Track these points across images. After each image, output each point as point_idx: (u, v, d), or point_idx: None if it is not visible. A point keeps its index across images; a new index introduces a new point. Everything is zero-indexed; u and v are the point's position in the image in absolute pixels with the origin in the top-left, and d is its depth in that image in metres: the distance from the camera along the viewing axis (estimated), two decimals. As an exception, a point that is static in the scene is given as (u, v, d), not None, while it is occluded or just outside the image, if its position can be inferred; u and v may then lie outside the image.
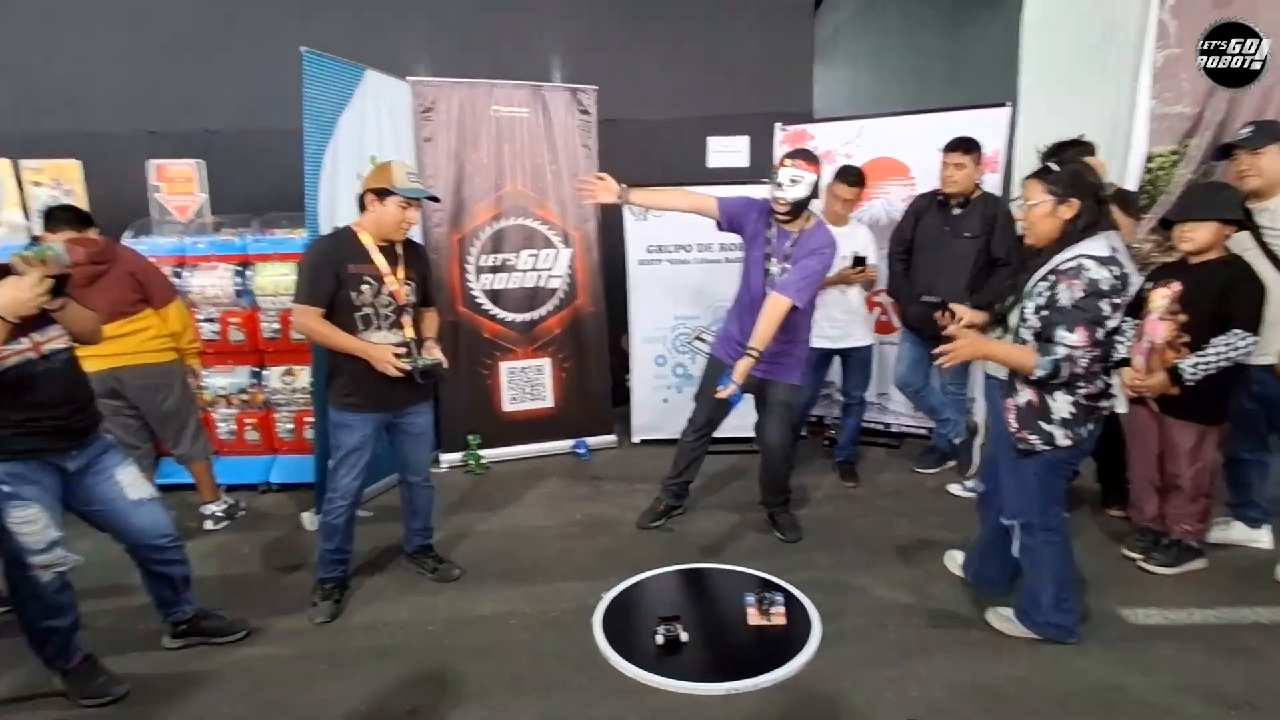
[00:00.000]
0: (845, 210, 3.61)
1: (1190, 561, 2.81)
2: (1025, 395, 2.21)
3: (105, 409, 2.42)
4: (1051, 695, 2.15)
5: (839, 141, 4.24)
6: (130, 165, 3.96)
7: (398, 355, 2.43)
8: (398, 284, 2.51)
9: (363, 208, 2.49)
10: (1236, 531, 2.99)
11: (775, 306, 2.75)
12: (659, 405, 4.39)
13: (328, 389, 2.58)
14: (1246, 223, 2.59)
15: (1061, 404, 2.15)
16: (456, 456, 4.10)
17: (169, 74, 4.44)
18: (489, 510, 3.55)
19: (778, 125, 4.44)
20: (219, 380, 3.78)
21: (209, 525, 3.36)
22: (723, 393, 2.73)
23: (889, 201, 4.12)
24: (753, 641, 2.46)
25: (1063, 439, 2.17)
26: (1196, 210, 2.58)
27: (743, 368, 2.72)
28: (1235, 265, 2.54)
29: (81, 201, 3.88)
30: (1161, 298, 2.62)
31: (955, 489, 3.64)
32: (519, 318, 4.19)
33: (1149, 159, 4.46)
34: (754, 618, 2.55)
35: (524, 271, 4.17)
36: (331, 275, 2.39)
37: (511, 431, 4.23)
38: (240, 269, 3.72)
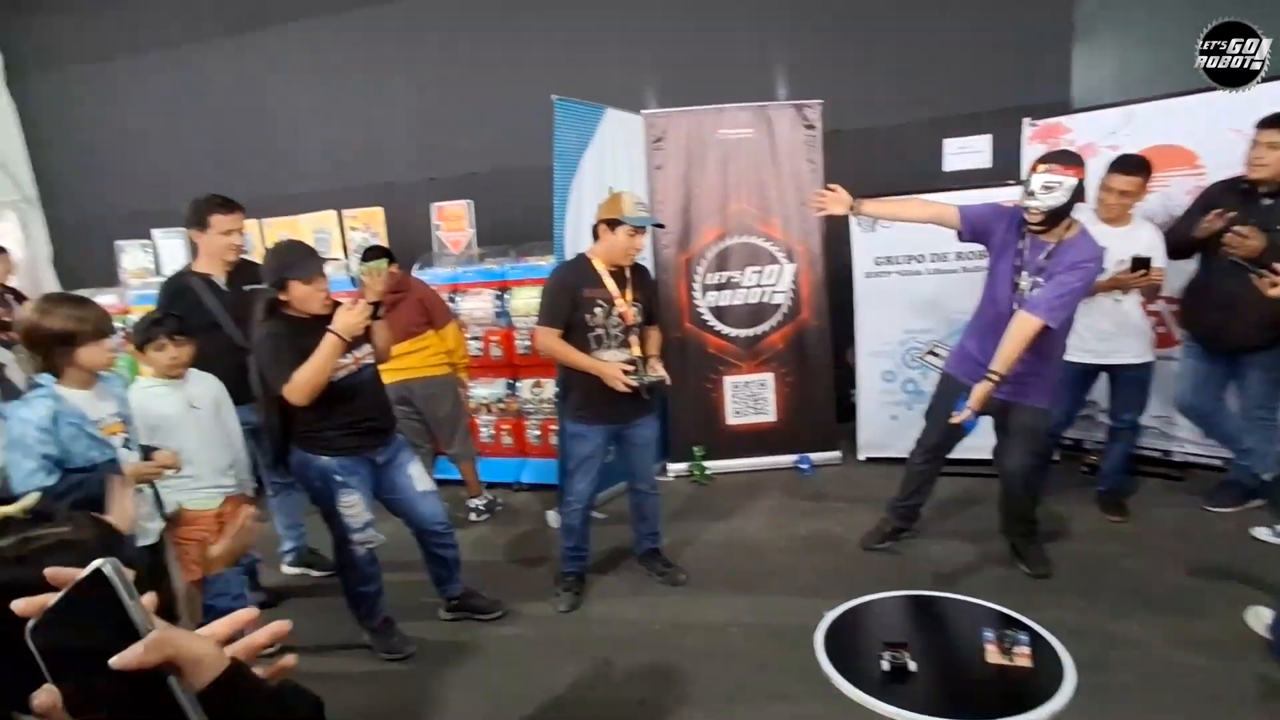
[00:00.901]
0: (1124, 205, 3.10)
1: None
2: None
3: (397, 414, 2.92)
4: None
5: (1102, 133, 3.78)
6: (417, 208, 4.72)
7: (626, 372, 2.63)
8: (626, 306, 2.72)
9: (596, 236, 2.74)
10: None
11: (1023, 327, 2.50)
12: (886, 422, 4.21)
13: (563, 402, 2.86)
14: None
15: None
16: (682, 466, 4.29)
17: (443, 127, 5.23)
18: (713, 520, 3.67)
19: (1026, 121, 4.07)
20: (481, 390, 4.34)
21: (472, 517, 3.87)
22: (957, 418, 2.56)
23: (1168, 195, 3.56)
24: (991, 681, 2.28)
25: None
26: None
27: (981, 393, 2.51)
28: None
29: (384, 241, 4.70)
30: None
31: (1263, 533, 3.04)
32: (743, 333, 4.28)
33: None
34: (993, 655, 2.36)
35: (748, 288, 4.25)
36: (569, 299, 2.67)
37: (735, 444, 4.33)
38: (499, 293, 4.25)
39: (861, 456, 4.28)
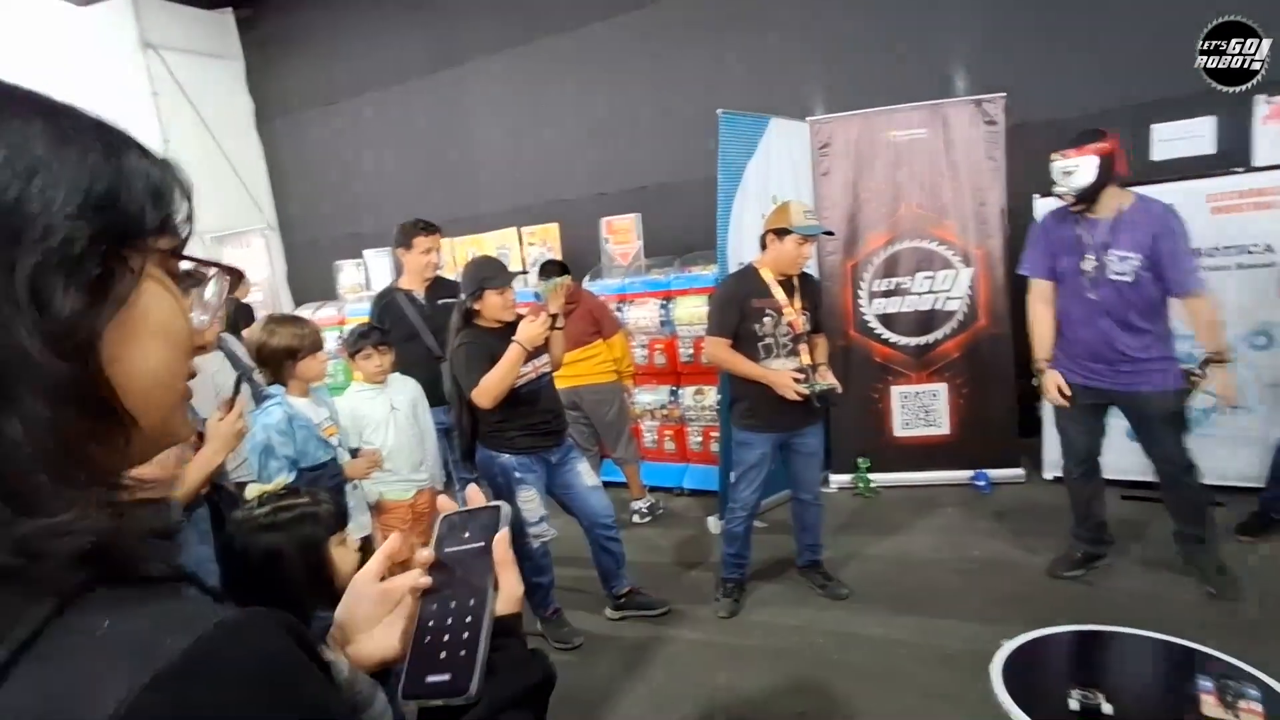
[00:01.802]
0: None
1: None
2: None
3: (568, 418, 3.12)
4: None
5: (1361, 106, 3.21)
6: (589, 223, 4.99)
7: (797, 381, 2.63)
8: (795, 314, 2.73)
9: (763, 246, 2.77)
10: None
11: (1196, 306, 2.60)
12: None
13: (731, 410, 2.91)
14: None
15: None
16: (845, 478, 4.17)
17: (613, 145, 5.48)
18: (877, 534, 3.54)
19: (1261, 98, 3.55)
20: (645, 397, 4.50)
21: (635, 519, 4.01)
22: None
23: None
24: (1206, 736, 2.02)
25: None
26: None
27: (1225, 379, 2.60)
28: None
29: (558, 255, 5.03)
30: None
31: None
32: (912, 341, 4.10)
33: None
34: (1211, 708, 2.08)
35: (919, 294, 4.06)
36: (737, 309, 2.72)
37: (903, 457, 4.14)
38: (664, 302, 4.39)
39: (1048, 475, 3.92)
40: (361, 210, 6.75)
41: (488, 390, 2.44)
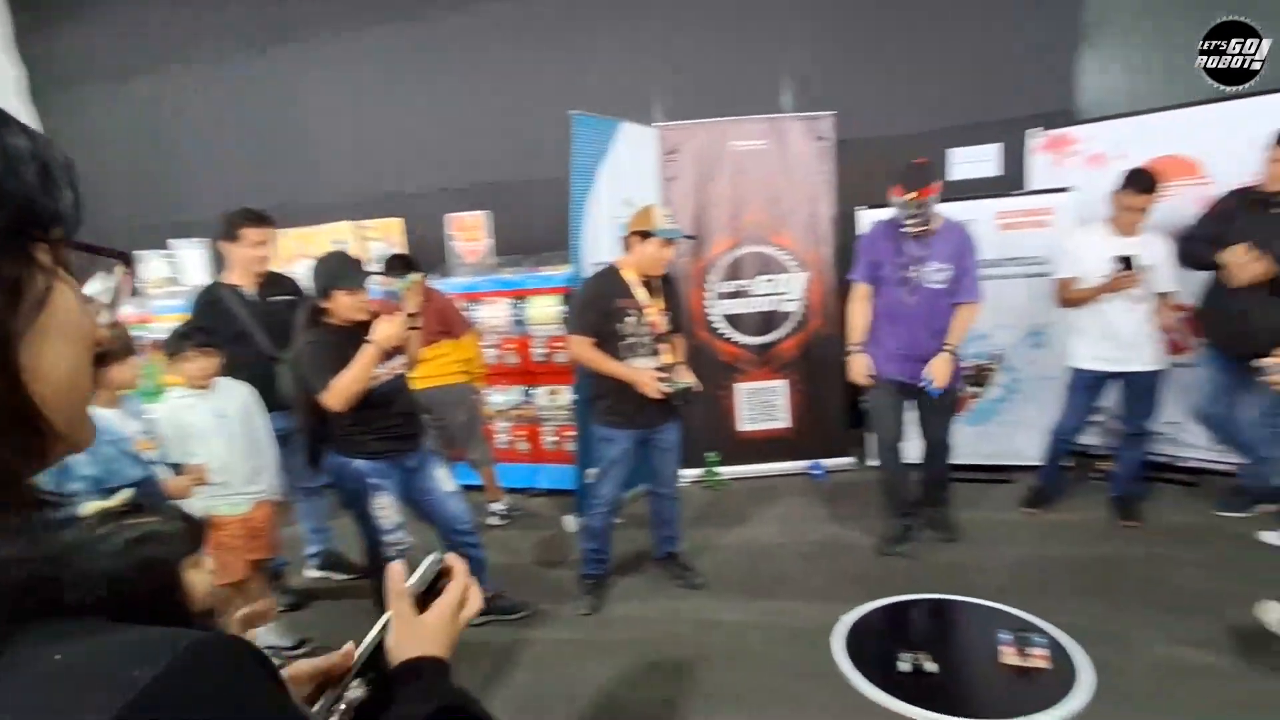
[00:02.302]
0: (1134, 220, 3.19)
1: None
2: None
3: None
4: None
5: (1110, 143, 3.85)
6: (434, 218, 4.80)
7: (658, 379, 2.70)
8: (656, 315, 2.80)
9: (626, 247, 2.81)
10: None
11: (972, 312, 3.08)
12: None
13: (592, 408, 2.93)
14: None
15: None
16: (695, 473, 4.34)
17: (460, 139, 5.32)
18: (728, 525, 3.73)
19: (1035, 130, 4.14)
20: (498, 397, 4.41)
21: (492, 521, 3.92)
22: (932, 385, 3.00)
23: (1175, 206, 3.62)
24: (1008, 682, 2.33)
25: None
26: None
27: (944, 364, 3.00)
28: None
29: (401, 250, 4.78)
30: None
31: (1269, 537, 3.09)
32: (755, 341, 4.35)
33: None
34: (1009, 657, 2.41)
35: (760, 296, 4.32)
36: (601, 309, 2.75)
37: (748, 450, 4.39)
38: (515, 302, 4.32)
39: (873, 462, 4.33)
40: (165, 198, 6.04)
41: (340, 392, 2.28)
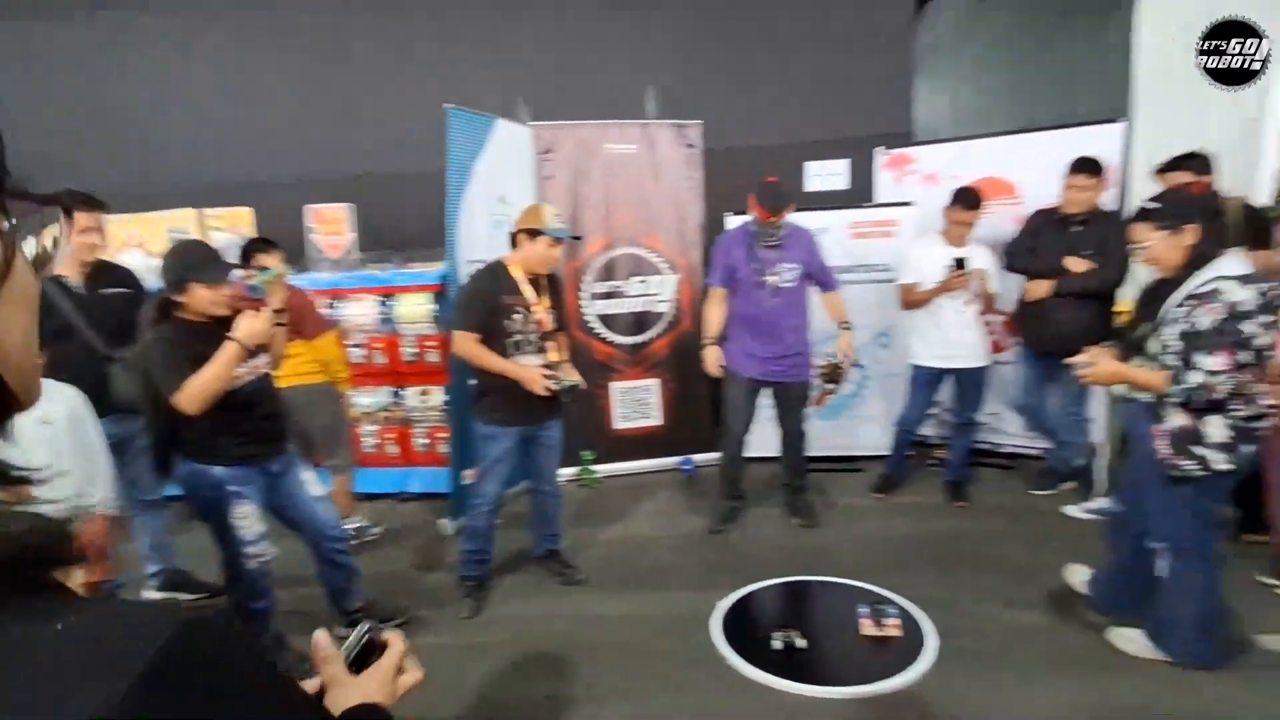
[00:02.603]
0: (962, 232, 3.61)
1: (1336, 590, 2.69)
2: (1176, 420, 2.18)
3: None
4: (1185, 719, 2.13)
5: (944, 163, 4.29)
6: (290, 210, 4.49)
7: (545, 376, 2.70)
8: (543, 312, 2.80)
9: (513, 244, 2.79)
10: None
11: (836, 298, 3.47)
12: (759, 424, 4.51)
13: (475, 406, 2.88)
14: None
15: (1217, 428, 2.12)
16: (571, 471, 4.36)
17: (321, 126, 5.01)
18: (605, 521, 3.78)
19: (879, 149, 4.53)
20: (364, 399, 4.20)
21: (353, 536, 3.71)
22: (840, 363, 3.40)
23: (996, 223, 4.11)
24: (867, 651, 2.55)
25: (1221, 463, 2.13)
26: None
27: (847, 342, 3.38)
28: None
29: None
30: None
31: (1073, 511, 3.58)
32: (628, 340, 4.44)
33: (1282, 169, 4.25)
34: (868, 629, 2.64)
35: (633, 297, 4.42)
36: (487, 305, 2.71)
37: (622, 448, 4.47)
38: (383, 299, 4.13)
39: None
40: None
41: (196, 393, 2.09)
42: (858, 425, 4.46)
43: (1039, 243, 3.54)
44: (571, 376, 2.81)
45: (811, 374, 3.52)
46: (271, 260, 3.06)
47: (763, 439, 3.81)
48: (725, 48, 5.09)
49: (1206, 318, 2.05)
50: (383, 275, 4.18)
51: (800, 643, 2.55)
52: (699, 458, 4.52)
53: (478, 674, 2.50)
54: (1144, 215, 2.21)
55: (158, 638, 0.34)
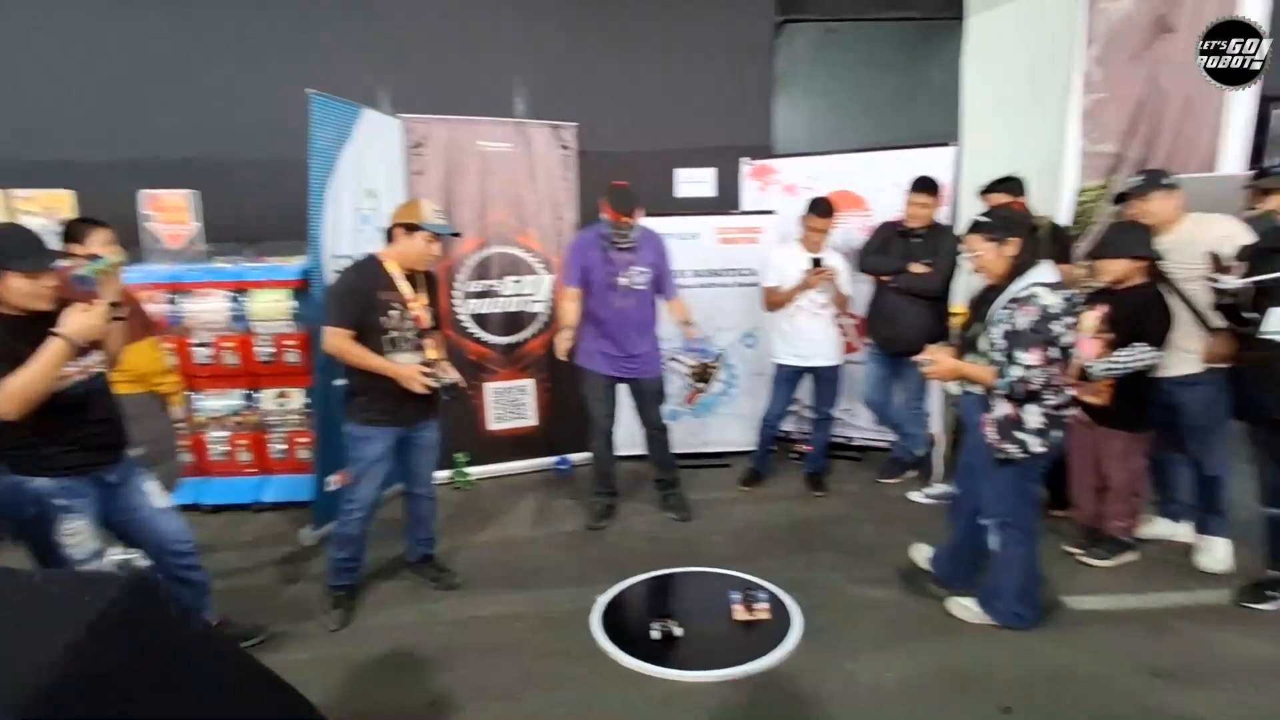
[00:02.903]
0: (818, 239, 3.85)
1: (1123, 554, 3.14)
2: (1002, 409, 2.47)
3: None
4: (1010, 674, 2.42)
5: (803, 175, 4.58)
6: (121, 195, 4.05)
7: (424, 374, 2.62)
8: (420, 309, 2.71)
9: (389, 239, 2.68)
10: (1161, 526, 3.33)
11: (678, 304, 3.60)
12: (635, 422, 4.60)
13: (347, 406, 2.74)
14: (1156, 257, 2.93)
15: (1033, 415, 2.43)
16: (444, 474, 4.25)
17: (161, 105, 4.56)
18: (481, 523, 3.72)
19: (743, 160, 4.77)
20: (212, 403, 3.87)
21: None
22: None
23: (848, 232, 4.45)
24: (740, 634, 2.68)
25: (1036, 446, 2.44)
26: (1108, 249, 2.89)
27: (693, 331, 3.54)
28: (1149, 291, 2.88)
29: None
30: (1091, 319, 2.96)
31: (916, 496, 3.94)
32: (503, 340, 4.38)
33: (1080, 193, 4.92)
34: (740, 614, 2.78)
35: (507, 296, 4.37)
36: (361, 301, 2.59)
37: (497, 449, 4.41)
38: (235, 295, 3.83)
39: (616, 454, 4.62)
40: None
41: (13, 396, 1.85)
42: (725, 423, 4.66)
43: (886, 252, 3.87)
44: (450, 374, 2.75)
45: (664, 369, 3.66)
46: (99, 242, 2.77)
47: (631, 437, 3.89)
48: (599, 53, 5.17)
49: (1024, 319, 2.34)
50: (233, 269, 3.87)
51: (677, 631, 2.64)
52: (575, 457, 4.54)
53: (351, 686, 2.39)
54: (977, 227, 2.50)
55: (105, 595, 0.33)
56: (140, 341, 3.14)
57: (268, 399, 3.91)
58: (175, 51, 4.60)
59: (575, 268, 3.46)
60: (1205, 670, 2.40)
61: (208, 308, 3.82)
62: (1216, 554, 3.07)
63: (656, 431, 3.74)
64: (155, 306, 3.71)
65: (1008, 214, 2.51)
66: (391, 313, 2.64)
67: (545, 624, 2.77)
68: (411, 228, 2.64)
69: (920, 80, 6.41)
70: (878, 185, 4.35)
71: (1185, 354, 2.90)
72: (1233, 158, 4.90)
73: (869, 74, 6.72)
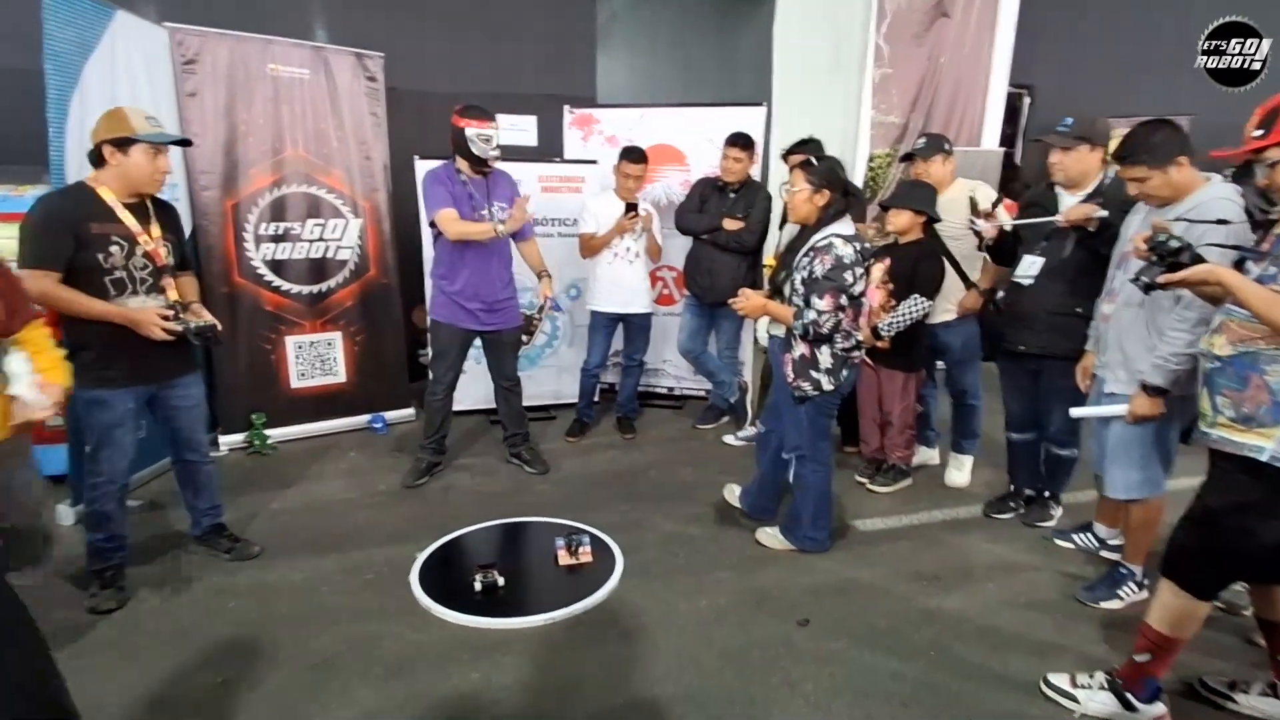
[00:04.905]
0: (634, 187, 3.89)
1: (902, 481, 3.55)
2: (799, 349, 2.68)
3: None
4: (806, 591, 2.66)
5: (624, 126, 4.58)
6: None
7: (165, 318, 2.29)
8: (154, 243, 2.34)
9: (99, 162, 2.28)
10: (920, 454, 3.81)
11: (532, 247, 3.51)
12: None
13: (74, 364, 2.32)
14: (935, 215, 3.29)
15: (825, 356, 2.65)
16: (238, 438, 3.85)
17: None
18: (283, 488, 3.42)
19: (566, 108, 4.68)
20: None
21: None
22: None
23: (668, 185, 4.55)
24: (564, 579, 2.71)
25: (827, 384, 2.67)
26: (898, 201, 3.26)
27: (548, 287, 3.47)
28: (924, 246, 3.24)
29: None
30: (878, 270, 3.28)
31: (730, 439, 4.18)
32: (306, 289, 4.01)
33: (870, 159, 5.40)
34: (564, 559, 2.80)
35: (310, 241, 3.99)
36: (68, 236, 2.18)
37: (301, 409, 4.06)
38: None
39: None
40: None
41: None
42: (551, 375, 4.64)
43: (705, 206, 4.00)
44: (203, 317, 2.40)
45: (520, 320, 3.54)
46: None
47: (461, 392, 3.74)
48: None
49: (820, 267, 2.53)
50: (-54, 199, 3.16)
51: (500, 581, 2.61)
52: (391, 415, 4.31)
53: (125, 676, 2.10)
54: (806, 165, 2.66)
55: None
56: None
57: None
58: None
59: (443, 193, 3.20)
60: (959, 572, 2.80)
61: (-91, 245, 3.09)
62: (965, 470, 3.60)
63: (511, 384, 3.62)
64: None
65: (834, 168, 2.68)
66: (113, 249, 2.25)
67: (360, 585, 2.62)
68: (123, 142, 2.24)
69: (736, 44, 6.65)
70: (696, 141, 4.47)
71: (948, 304, 3.32)
72: (991, 136, 5.64)
73: (688, 34, 6.87)
